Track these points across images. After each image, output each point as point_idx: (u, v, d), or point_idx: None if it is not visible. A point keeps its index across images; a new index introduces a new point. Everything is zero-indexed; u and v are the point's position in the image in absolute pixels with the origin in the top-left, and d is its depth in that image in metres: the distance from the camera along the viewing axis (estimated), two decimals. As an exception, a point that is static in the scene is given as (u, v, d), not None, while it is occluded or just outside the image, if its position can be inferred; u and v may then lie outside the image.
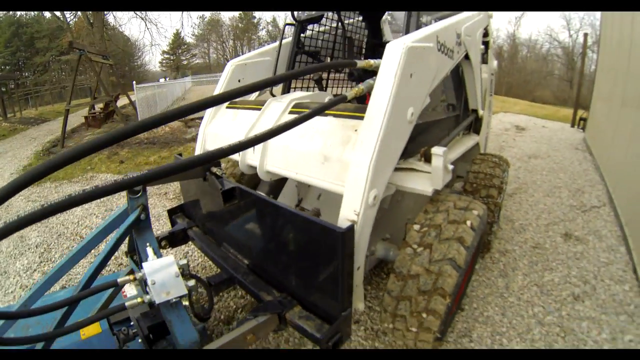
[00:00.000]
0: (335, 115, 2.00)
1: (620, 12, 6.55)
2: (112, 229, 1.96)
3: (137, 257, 2.72)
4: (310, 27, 3.39)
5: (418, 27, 2.51)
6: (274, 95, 3.03)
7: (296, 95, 2.58)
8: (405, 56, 1.77)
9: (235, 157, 2.56)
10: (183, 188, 3.05)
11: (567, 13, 38.68)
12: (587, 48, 15.27)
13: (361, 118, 1.85)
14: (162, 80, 18.79)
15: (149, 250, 1.67)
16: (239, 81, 2.98)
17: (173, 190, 6.19)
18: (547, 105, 22.86)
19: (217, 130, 2.82)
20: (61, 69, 38.99)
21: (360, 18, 4.00)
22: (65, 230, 4.99)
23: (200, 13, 57.92)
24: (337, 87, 4.12)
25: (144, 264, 1.58)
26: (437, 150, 2.06)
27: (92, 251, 2.05)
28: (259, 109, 2.50)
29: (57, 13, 21.33)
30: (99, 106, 14.47)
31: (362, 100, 2.81)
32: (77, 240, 4.67)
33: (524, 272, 3.56)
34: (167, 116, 1.17)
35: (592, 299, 3.15)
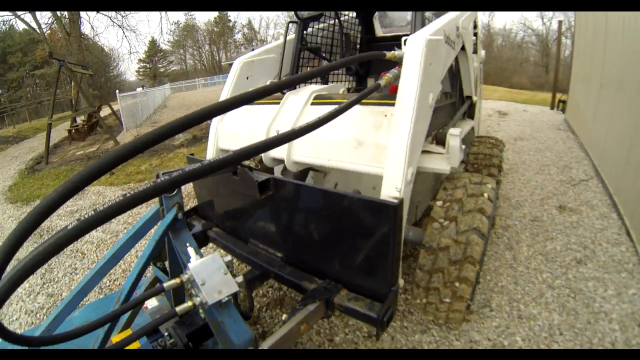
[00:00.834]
0: (362, 104, 2.10)
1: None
2: (143, 233, 1.92)
3: (160, 264, 2.70)
4: (310, 24, 3.50)
5: (422, 22, 2.65)
6: (283, 93, 3.13)
7: (312, 88, 2.66)
8: (426, 47, 1.95)
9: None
10: (197, 189, 3.04)
11: (542, 1, 39.73)
12: (562, 34, 15.74)
13: (388, 104, 2.00)
14: (139, 89, 18.54)
15: (190, 251, 1.64)
16: (247, 78, 3.06)
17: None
18: (525, 91, 23.43)
19: (231, 127, 2.84)
20: (36, 83, 37.95)
21: (354, 15, 4.14)
22: (66, 249, 4.84)
23: (176, 18, 57.23)
24: (335, 81, 4.24)
25: (190, 265, 1.53)
26: (453, 131, 2.21)
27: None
28: (277, 103, 2.58)
29: (33, 24, 20.79)
30: (80, 118, 14.19)
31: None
32: (77, 256, 4.51)
33: (527, 244, 3.78)
34: (194, 117, 1.06)
35: (594, 262, 3.40)
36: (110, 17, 22.37)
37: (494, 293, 3.09)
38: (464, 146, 2.33)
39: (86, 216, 0.80)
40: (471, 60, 3.40)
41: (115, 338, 1.83)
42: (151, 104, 19.00)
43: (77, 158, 10.80)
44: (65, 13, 19.70)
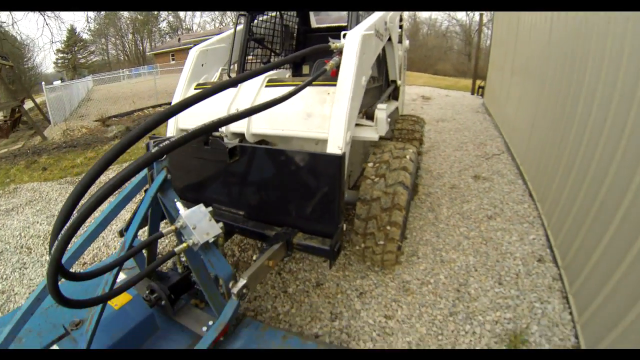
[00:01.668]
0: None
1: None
2: (131, 197, 2.16)
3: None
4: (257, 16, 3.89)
5: (357, 18, 3.16)
6: (230, 77, 3.51)
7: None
8: (361, 41, 2.48)
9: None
10: None
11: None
12: (483, 25, 17.17)
13: (330, 85, 2.49)
14: (57, 82, 17.39)
15: (179, 205, 1.92)
16: (202, 65, 3.40)
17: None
18: (449, 77, 24.91)
19: (191, 109, 3.13)
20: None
21: None
22: (8, 246, 4.62)
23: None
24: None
25: (182, 214, 1.84)
26: (380, 106, 2.78)
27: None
28: (235, 87, 2.96)
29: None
30: (0, 114, 13.20)
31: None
32: (24, 252, 4.43)
33: (447, 206, 4.48)
34: (178, 106, 1.43)
35: (502, 217, 4.16)
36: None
37: (420, 245, 3.71)
38: (389, 119, 2.88)
39: (105, 186, 1.18)
40: (396, 49, 3.98)
41: (114, 300, 2.11)
42: (76, 97, 17.97)
43: (0, 156, 9.98)
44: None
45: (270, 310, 2.95)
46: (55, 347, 1.97)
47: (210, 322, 2.17)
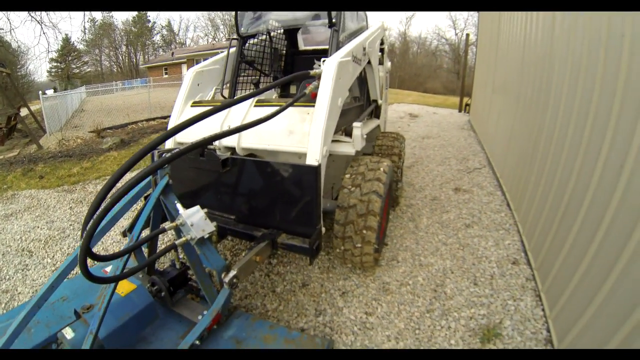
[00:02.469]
0: (292, 106, 2.93)
1: (492, 14, 8.29)
2: (134, 201, 2.50)
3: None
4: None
5: (337, 44, 3.53)
6: (224, 97, 3.87)
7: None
8: (337, 68, 2.85)
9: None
10: None
11: (453, 13, 43.81)
12: (471, 45, 17.78)
13: (310, 106, 2.86)
14: (50, 91, 17.50)
15: (179, 206, 2.26)
16: (197, 85, 3.75)
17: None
18: (438, 95, 25.48)
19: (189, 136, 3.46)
20: None
21: (282, 31, 4.93)
22: (9, 249, 4.83)
23: (92, 16, 53.61)
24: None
25: (182, 213, 2.18)
26: (356, 124, 3.16)
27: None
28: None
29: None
30: (-5, 122, 13.37)
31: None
32: (25, 254, 4.63)
33: (427, 216, 4.77)
34: (185, 124, 1.76)
35: (479, 225, 4.45)
36: (29, 12, 20.59)
37: (400, 251, 3.98)
38: (365, 135, 3.23)
39: (122, 187, 1.54)
40: (376, 71, 4.36)
41: (120, 288, 2.39)
42: (70, 107, 18.19)
43: None
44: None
45: (259, 307, 3.23)
46: (62, 338, 2.17)
47: (205, 312, 2.44)
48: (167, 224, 2.20)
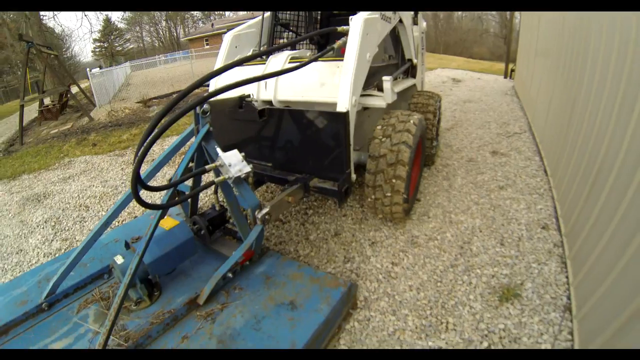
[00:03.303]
0: (323, 61, 3.12)
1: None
2: (180, 146, 2.77)
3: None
4: None
5: None
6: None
7: (287, 53, 3.56)
8: (363, 24, 2.93)
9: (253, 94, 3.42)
10: None
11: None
12: (518, 8, 16.75)
13: (339, 61, 2.97)
14: (96, 69, 18.49)
15: (219, 150, 2.45)
16: (235, 47, 3.92)
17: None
18: (484, 61, 24.39)
19: (226, 78, 3.63)
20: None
21: None
22: (68, 205, 5.31)
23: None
24: (301, 47, 5.13)
25: (221, 155, 2.36)
26: (386, 78, 3.21)
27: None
28: (263, 64, 3.49)
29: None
30: (49, 99, 14.22)
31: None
32: (83, 209, 5.10)
33: (462, 176, 4.74)
34: (212, 74, 1.99)
35: (513, 188, 4.32)
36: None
37: (432, 207, 4.03)
38: (396, 89, 3.30)
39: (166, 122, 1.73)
40: (410, 30, 4.31)
41: (164, 224, 2.64)
42: (116, 82, 19.14)
43: (53, 136, 10.93)
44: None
45: (292, 252, 3.46)
46: (113, 263, 2.41)
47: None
48: (208, 166, 2.41)
